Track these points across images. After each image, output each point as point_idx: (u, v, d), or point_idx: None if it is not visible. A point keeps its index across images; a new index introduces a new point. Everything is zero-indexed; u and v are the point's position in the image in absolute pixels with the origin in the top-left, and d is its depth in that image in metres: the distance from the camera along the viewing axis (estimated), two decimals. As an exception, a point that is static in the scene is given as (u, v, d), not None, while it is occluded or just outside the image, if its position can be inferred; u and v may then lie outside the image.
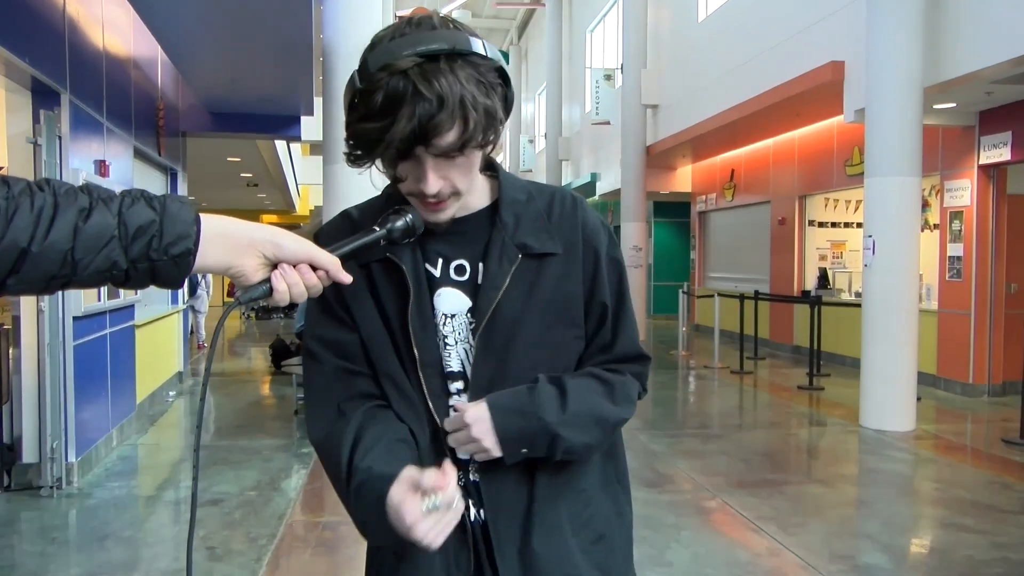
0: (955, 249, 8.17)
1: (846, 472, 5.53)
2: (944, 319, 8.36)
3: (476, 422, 1.11)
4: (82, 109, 5.03)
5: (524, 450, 1.13)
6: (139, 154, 6.84)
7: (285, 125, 9.49)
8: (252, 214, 23.78)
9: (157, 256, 0.87)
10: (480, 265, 1.18)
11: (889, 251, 6.44)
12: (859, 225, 10.01)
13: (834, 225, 11.69)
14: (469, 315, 1.18)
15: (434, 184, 1.07)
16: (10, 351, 4.73)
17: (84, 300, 4.97)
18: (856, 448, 6.08)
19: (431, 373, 1.16)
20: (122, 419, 5.99)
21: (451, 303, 1.18)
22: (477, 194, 1.20)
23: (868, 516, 4.45)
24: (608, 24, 17.63)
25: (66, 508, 4.47)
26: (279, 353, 9.32)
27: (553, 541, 1.17)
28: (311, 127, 9.41)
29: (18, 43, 4.04)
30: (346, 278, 1.00)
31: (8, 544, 3.90)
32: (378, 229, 1.08)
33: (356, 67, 1.05)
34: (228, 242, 0.93)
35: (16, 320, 4.71)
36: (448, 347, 1.18)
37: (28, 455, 4.72)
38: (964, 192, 8.04)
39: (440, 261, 1.19)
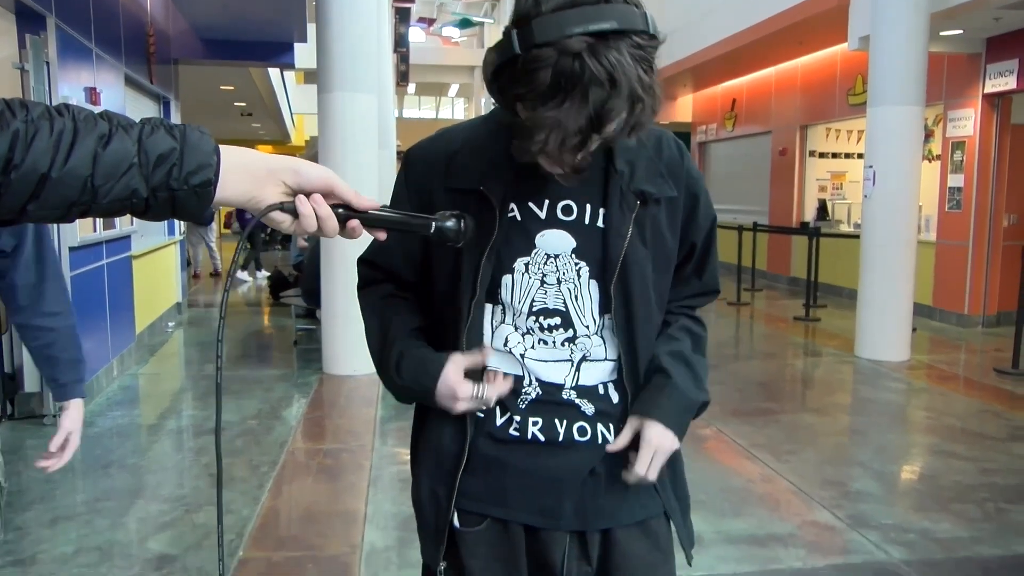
0: (955, 180, 8.11)
1: (840, 401, 5.60)
2: (942, 250, 8.36)
3: (663, 440, 1.24)
4: (69, 34, 4.90)
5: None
6: (130, 82, 6.70)
7: (278, 52, 9.29)
8: (247, 144, 23.29)
9: (178, 185, 0.86)
10: (588, 206, 1.22)
11: (889, 182, 6.38)
12: (860, 156, 9.92)
13: (835, 156, 11.59)
14: (574, 255, 1.22)
15: (584, 161, 1.07)
16: (7, 281, 4.72)
17: (80, 231, 4.93)
18: (850, 378, 6.15)
19: (480, 310, 1.22)
20: (122, 349, 6.02)
21: (555, 244, 1.22)
22: None
23: (860, 444, 4.53)
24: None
25: (70, 436, 4.53)
26: (278, 284, 9.32)
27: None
28: (305, 54, 9.21)
29: (0, -36, 3.92)
30: (365, 203, 0.96)
31: (15, 471, 3.96)
32: (429, 220, 1.04)
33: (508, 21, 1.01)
34: (248, 172, 0.91)
35: (12, 250, 4.68)
36: (547, 286, 1.22)
37: (29, 384, 4.76)
38: (967, 122, 7.94)
39: (546, 202, 1.21)
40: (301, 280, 7.38)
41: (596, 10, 0.96)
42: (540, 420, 1.24)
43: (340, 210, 0.94)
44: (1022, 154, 7.88)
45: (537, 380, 1.24)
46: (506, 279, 1.22)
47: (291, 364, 6.45)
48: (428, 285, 1.31)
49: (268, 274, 10.54)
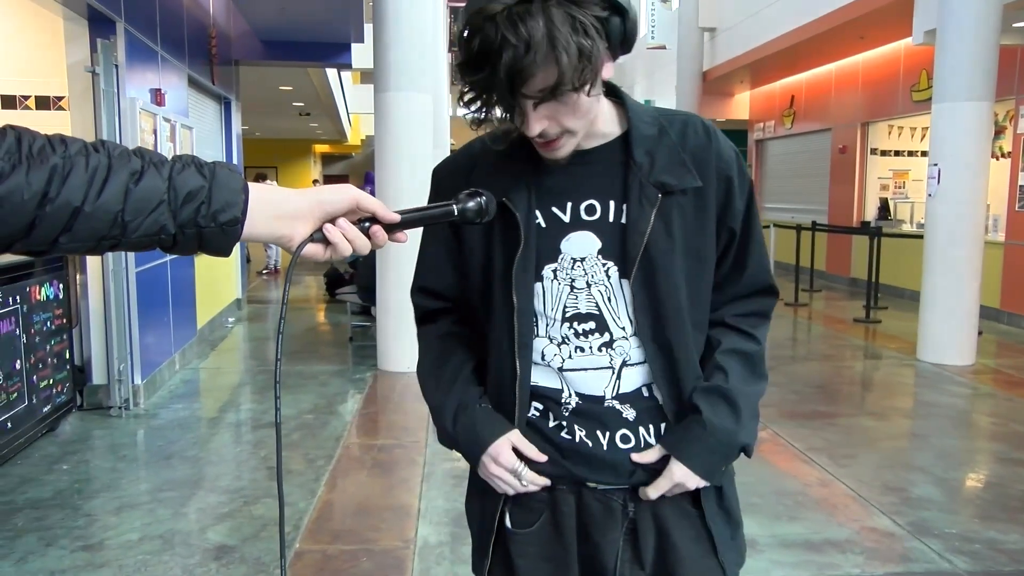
0: (1027, 178, 7.83)
1: (901, 405, 5.46)
2: (1011, 251, 8.07)
3: (686, 480, 1.20)
4: (137, 37, 5.05)
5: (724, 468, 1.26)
6: (193, 83, 6.88)
7: (335, 52, 9.43)
8: (304, 143, 23.91)
9: (205, 223, 0.88)
10: (611, 203, 1.18)
11: (955, 180, 6.18)
12: (923, 154, 9.65)
13: (897, 154, 11.29)
14: (600, 256, 1.18)
15: (536, 126, 1.07)
16: (77, 276, 4.90)
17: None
18: (912, 382, 5.98)
19: (525, 320, 1.19)
20: (184, 344, 6.19)
21: (579, 246, 1.19)
22: (603, 120, 1.18)
23: (922, 449, 4.40)
24: (665, -57, 16.92)
25: (134, 428, 4.68)
26: (333, 282, 9.47)
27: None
28: (361, 54, 9.32)
29: (72, -29, 4.06)
30: (393, 217, 0.99)
31: (83, 459, 4.11)
32: (450, 205, 1.07)
33: None
34: (276, 211, 0.93)
35: (81, 247, 4.85)
36: (577, 290, 1.19)
37: (97, 377, 4.93)
38: (1040, 118, 7.65)
39: (569, 204, 1.19)
40: (356, 277, 7.48)
41: None
42: (585, 429, 1.21)
43: (365, 224, 0.98)
44: (1098, 151, 7.57)
45: (576, 393, 1.21)
46: (536, 287, 1.20)
47: (346, 360, 6.55)
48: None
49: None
